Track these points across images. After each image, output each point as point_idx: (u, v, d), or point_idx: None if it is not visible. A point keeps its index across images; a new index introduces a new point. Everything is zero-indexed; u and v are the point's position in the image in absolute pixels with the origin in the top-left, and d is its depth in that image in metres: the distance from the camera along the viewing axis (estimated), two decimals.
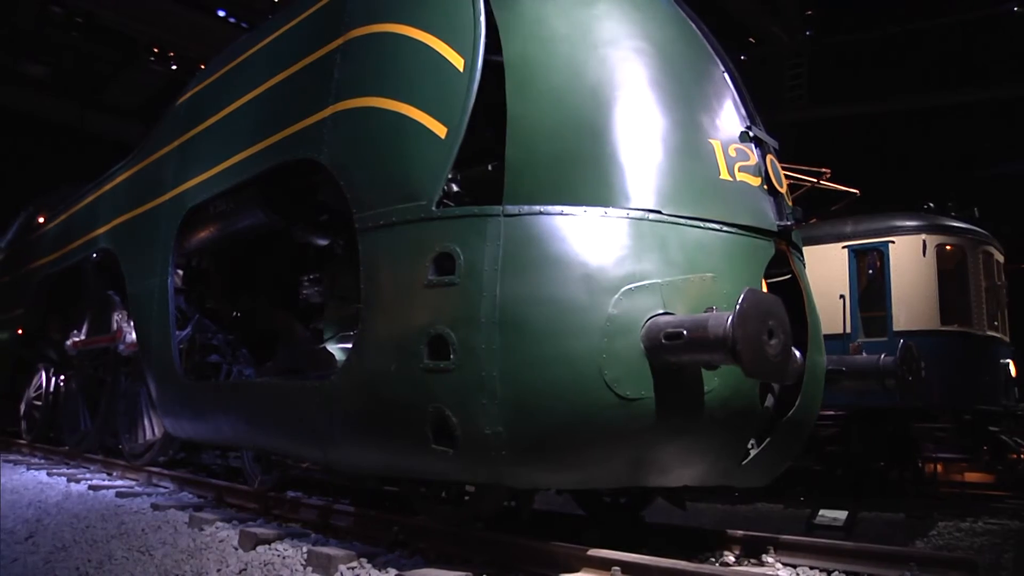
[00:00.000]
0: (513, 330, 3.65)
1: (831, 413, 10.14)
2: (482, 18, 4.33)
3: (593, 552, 3.80)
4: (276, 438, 5.21)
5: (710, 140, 4.20)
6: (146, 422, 8.15)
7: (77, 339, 9.72)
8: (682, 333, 3.42)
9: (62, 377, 10.78)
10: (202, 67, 7.97)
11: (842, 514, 9.07)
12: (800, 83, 17.71)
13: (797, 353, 4.19)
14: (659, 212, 3.88)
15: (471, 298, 3.76)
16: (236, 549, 5.04)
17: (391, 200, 4.26)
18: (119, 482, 8.03)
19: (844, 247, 10.08)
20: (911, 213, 9.98)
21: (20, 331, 11.26)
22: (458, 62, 4.27)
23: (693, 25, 4.81)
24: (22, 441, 11.94)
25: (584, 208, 3.83)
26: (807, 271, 9.94)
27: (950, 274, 9.76)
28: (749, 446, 4.26)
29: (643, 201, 3.89)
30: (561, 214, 3.81)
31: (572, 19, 4.44)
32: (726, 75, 4.63)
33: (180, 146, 6.85)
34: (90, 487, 7.66)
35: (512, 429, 3.64)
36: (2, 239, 13.35)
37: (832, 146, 16.05)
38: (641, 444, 3.67)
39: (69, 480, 8.20)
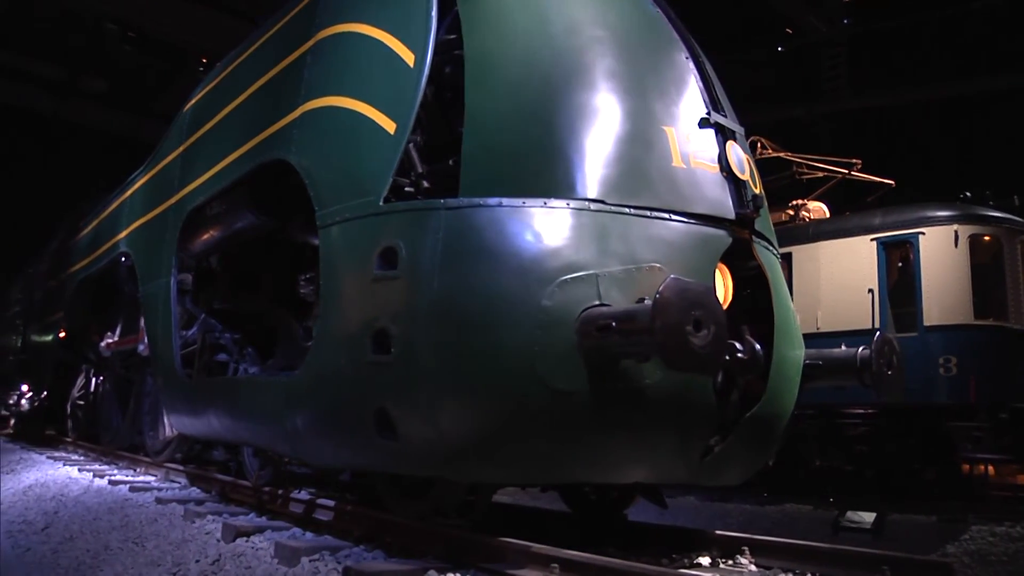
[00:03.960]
0: (449, 323, 3.63)
1: (860, 411, 9.82)
2: (434, 12, 4.34)
3: (536, 548, 3.75)
4: (255, 433, 5.31)
5: (663, 127, 4.10)
6: (166, 420, 8.40)
7: (110, 341, 10.09)
8: (611, 324, 3.34)
9: (101, 377, 11.20)
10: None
11: (870, 516, 8.78)
12: (838, 73, 17.12)
13: (757, 346, 4.07)
14: (602, 202, 3.81)
15: (411, 291, 3.76)
16: (219, 541, 5.15)
17: (345, 197, 4.30)
18: (140, 478, 8.30)
19: (873, 239, 9.72)
20: (942, 203, 9.56)
21: (63, 334, 11.75)
22: (409, 58, 4.28)
23: (660, 11, 4.72)
24: (68, 439, 12.47)
25: (523, 200, 3.79)
26: (834, 264, 9.78)
27: (985, 266, 9.31)
28: (713, 443, 4.15)
29: (586, 191, 3.83)
30: (500, 206, 3.78)
31: (532, 11, 4.41)
32: (690, 61, 4.51)
33: (183, 152, 7.04)
34: (110, 482, 7.93)
35: (448, 423, 3.63)
36: (49, 247, 13.98)
37: (873, 136, 15.50)
38: (578, 438, 3.60)
39: (95, 475, 8.52)
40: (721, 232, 4.03)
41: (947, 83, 15.52)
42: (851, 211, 11.11)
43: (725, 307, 4.22)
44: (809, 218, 11.34)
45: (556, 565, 3.59)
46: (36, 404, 13.96)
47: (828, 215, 11.47)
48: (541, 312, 3.52)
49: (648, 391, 3.59)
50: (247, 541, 5.00)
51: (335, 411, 4.19)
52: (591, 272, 3.61)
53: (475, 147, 4.05)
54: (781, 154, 12.22)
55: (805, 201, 11.55)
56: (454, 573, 3.84)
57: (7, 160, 24.32)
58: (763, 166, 12.60)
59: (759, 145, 12.44)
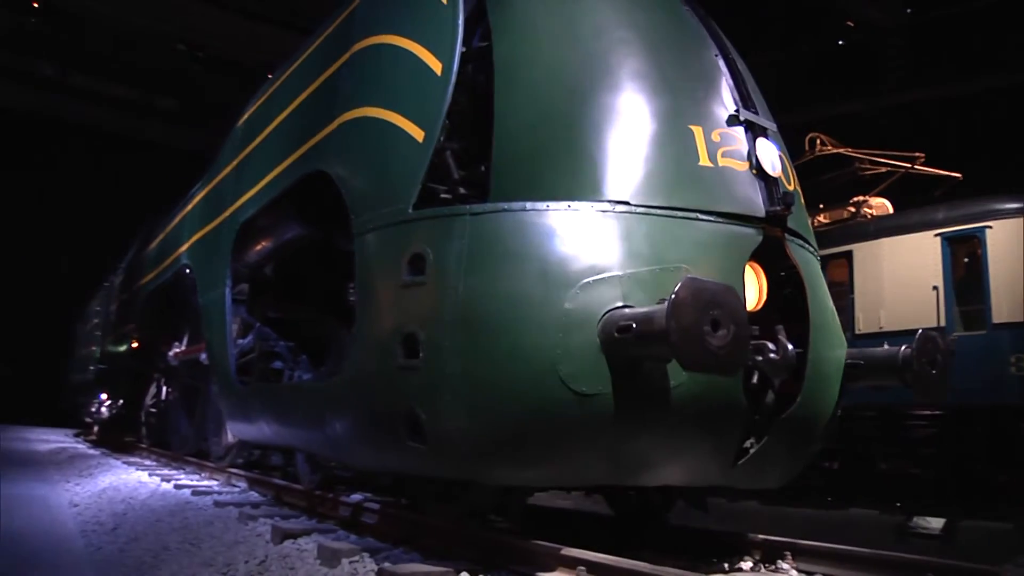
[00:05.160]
0: (474, 327, 3.67)
1: (927, 412, 9.46)
2: (460, 20, 4.40)
3: (565, 551, 3.76)
4: (300, 437, 5.45)
5: (690, 126, 4.06)
6: (228, 426, 8.68)
7: (177, 350, 10.49)
8: (632, 326, 3.33)
9: (171, 386, 11.65)
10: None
11: (939, 522, 8.44)
12: (902, 64, 16.44)
13: (790, 346, 3.98)
14: (627, 203, 3.80)
15: (438, 296, 3.82)
16: (267, 543, 5.31)
17: (378, 205, 4.39)
18: (204, 482, 8.61)
19: (936, 235, 9.36)
20: (1010, 195, 9.14)
21: (135, 344, 12.27)
22: (436, 66, 4.35)
23: (689, 9, 4.68)
24: (143, 445, 13.01)
25: (547, 203, 3.81)
26: (897, 262, 9.46)
27: None
28: (748, 445, 4.08)
29: (610, 193, 3.82)
30: (523, 210, 3.81)
31: (560, 15, 4.43)
32: (720, 59, 4.46)
33: (236, 165, 7.29)
34: (175, 486, 8.25)
35: (474, 426, 3.67)
36: (123, 261, 14.63)
37: (942, 128, 14.87)
38: (603, 441, 3.59)
39: (162, 480, 8.87)
40: (750, 231, 3.96)
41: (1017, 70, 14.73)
42: (914, 206, 10.73)
43: (758, 307, 4.16)
44: (871, 215, 11.00)
45: (583, 568, 3.60)
46: (114, 412, 14.62)
47: (891, 211, 11.10)
48: (563, 315, 3.53)
49: (673, 393, 3.55)
50: (294, 543, 5.14)
51: (369, 415, 4.28)
52: (614, 274, 3.60)
53: (504, 152, 4.09)
54: (841, 150, 11.89)
55: (866, 197, 11.20)
56: (485, 575, 3.89)
57: (87, 179, 25.56)
58: (823, 162, 12.31)
59: (818, 141, 12.15)
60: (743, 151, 4.13)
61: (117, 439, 15.08)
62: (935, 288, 9.22)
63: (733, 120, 4.19)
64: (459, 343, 3.67)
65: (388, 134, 4.43)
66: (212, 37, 20.88)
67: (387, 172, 4.40)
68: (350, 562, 4.44)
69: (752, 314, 4.09)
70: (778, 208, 4.04)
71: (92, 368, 16.44)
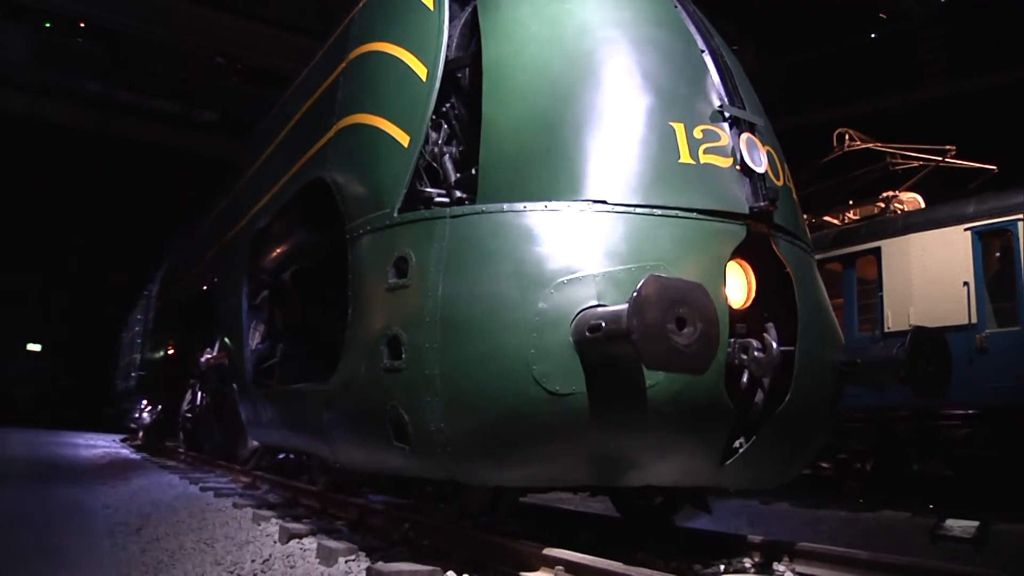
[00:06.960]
0: (452, 328, 3.71)
1: (959, 412, 9.19)
2: (446, 25, 4.45)
3: (547, 551, 3.77)
4: (302, 438, 5.55)
5: (671, 123, 4.03)
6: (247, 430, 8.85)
7: (208, 356, 10.73)
8: (601, 325, 3.32)
9: (204, 391, 11.92)
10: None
11: (972, 525, 8.18)
12: (938, 56, 15.94)
13: (775, 344, 3.92)
14: (604, 202, 3.79)
15: (419, 299, 3.86)
16: (275, 543, 5.43)
17: (368, 210, 4.46)
18: (230, 484, 8.80)
19: (966, 229, 9.10)
20: None
21: (171, 351, 12.60)
22: (422, 72, 4.40)
23: (679, 7, 4.65)
24: (181, 450, 13.35)
25: (524, 204, 3.82)
26: (926, 257, 9.22)
27: None
28: (737, 445, 4.03)
29: (588, 192, 3.82)
30: (501, 211, 3.83)
31: (545, 16, 4.45)
32: (707, 55, 4.42)
33: (253, 174, 7.45)
34: (201, 488, 8.46)
35: (453, 426, 3.69)
36: (160, 269, 15.04)
37: (978, 120, 14.40)
38: (580, 441, 3.58)
39: (190, 482, 9.09)
40: (732, 227, 3.91)
41: None
42: (943, 201, 10.45)
43: (747, 304, 4.11)
44: (901, 210, 10.75)
45: (561, 567, 3.60)
46: (154, 417, 15.01)
47: (923, 206, 10.83)
48: (537, 315, 3.54)
49: (650, 392, 3.52)
50: (299, 543, 5.25)
51: (360, 416, 4.34)
52: (588, 273, 3.59)
53: (490, 155, 4.12)
54: (870, 144, 11.64)
55: (896, 193, 10.94)
56: (472, 574, 3.92)
57: (132, 191, 26.31)
58: (853, 158, 12.06)
59: (847, 137, 11.91)
60: (727, 147, 4.08)
61: (159, 444, 15.49)
62: (966, 284, 8.95)
63: (717, 116, 4.15)
64: (439, 344, 3.71)
65: (376, 139, 4.50)
66: (249, 49, 21.34)
67: (375, 177, 4.46)
68: (346, 561, 4.53)
69: (740, 311, 4.06)
70: (762, 204, 3.98)
71: (134, 375, 16.91)
